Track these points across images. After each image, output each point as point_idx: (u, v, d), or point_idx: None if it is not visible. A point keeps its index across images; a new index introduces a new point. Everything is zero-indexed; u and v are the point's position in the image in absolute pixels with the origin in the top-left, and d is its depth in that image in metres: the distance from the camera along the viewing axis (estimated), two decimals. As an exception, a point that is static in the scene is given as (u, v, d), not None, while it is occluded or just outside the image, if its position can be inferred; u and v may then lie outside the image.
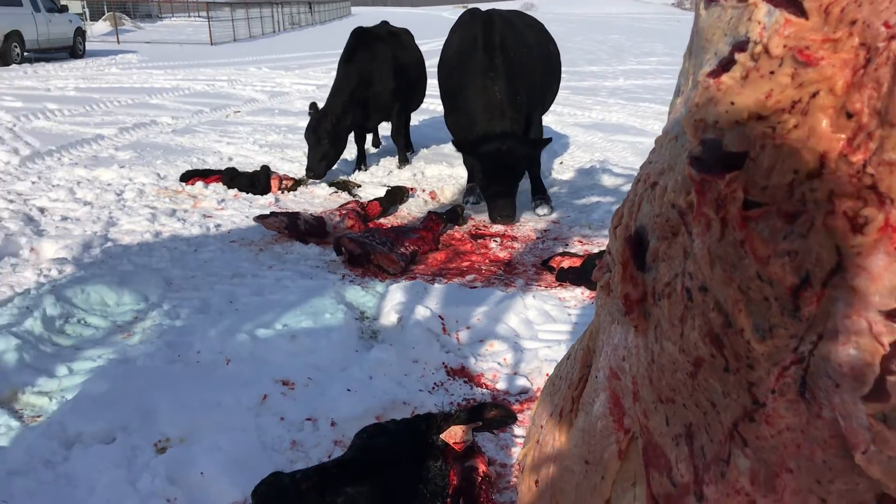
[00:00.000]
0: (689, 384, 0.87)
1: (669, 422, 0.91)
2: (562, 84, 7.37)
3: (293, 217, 5.30)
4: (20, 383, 3.24)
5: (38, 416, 3.01)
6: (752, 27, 0.75)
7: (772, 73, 0.73)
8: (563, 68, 7.23)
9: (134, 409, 2.98)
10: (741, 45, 0.76)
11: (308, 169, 7.03)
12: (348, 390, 3.14)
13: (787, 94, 0.72)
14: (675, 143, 0.86)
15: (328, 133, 6.90)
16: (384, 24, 8.16)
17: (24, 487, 2.53)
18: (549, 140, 6.05)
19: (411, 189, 6.86)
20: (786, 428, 0.79)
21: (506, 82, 5.74)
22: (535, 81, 6.17)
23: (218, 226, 5.68)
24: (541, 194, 6.41)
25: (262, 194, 6.56)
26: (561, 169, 8.05)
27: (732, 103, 0.77)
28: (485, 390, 3.32)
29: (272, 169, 7.05)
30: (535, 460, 1.24)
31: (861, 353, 0.71)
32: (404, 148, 8.04)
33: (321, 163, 6.98)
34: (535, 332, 3.88)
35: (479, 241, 5.57)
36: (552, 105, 7.83)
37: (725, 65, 0.78)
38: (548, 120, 10.68)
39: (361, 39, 7.42)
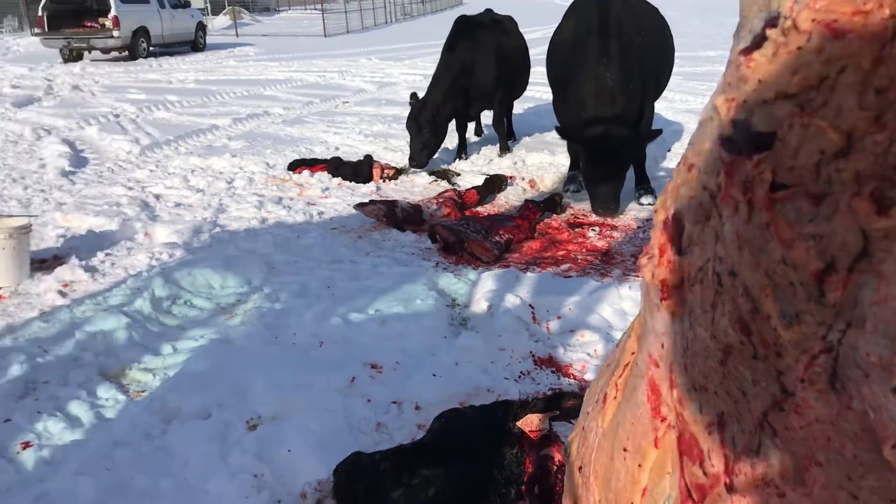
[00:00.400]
0: (720, 371, 0.84)
1: (703, 410, 0.88)
2: (675, 70, 7.14)
3: (391, 205, 5.39)
4: (128, 360, 3.43)
5: (143, 392, 3.18)
6: (783, 1, 0.72)
7: (799, 48, 0.69)
8: (676, 53, 7.00)
9: (230, 388, 3.11)
10: (773, 21, 0.73)
11: (410, 158, 7.12)
12: (434, 375, 3.18)
13: (814, 70, 0.68)
14: (710, 123, 0.83)
15: (428, 122, 6.96)
16: (488, 11, 8.14)
17: (126, 457, 2.68)
18: (660, 132, 5.86)
19: (510, 177, 6.84)
20: (815, 419, 0.75)
21: (619, 69, 5.58)
22: (650, 69, 5.97)
23: (321, 213, 5.83)
24: (645, 184, 6.26)
25: (364, 183, 6.69)
26: (669, 157, 7.84)
27: (760, 81, 0.73)
28: (572, 381, 3.29)
29: (375, 158, 7.18)
30: (579, 447, 1.22)
31: (890, 342, 0.67)
32: (505, 136, 8.02)
33: (422, 152, 7.05)
34: (629, 324, 3.80)
35: (576, 230, 5.51)
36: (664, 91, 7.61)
37: (758, 42, 0.75)
38: (659, 106, 10.41)
39: (463, 28, 7.44)
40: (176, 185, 6.62)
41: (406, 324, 3.71)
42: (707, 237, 0.83)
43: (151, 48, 20.75)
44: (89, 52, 19.72)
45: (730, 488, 0.84)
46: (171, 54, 21.62)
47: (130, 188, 6.52)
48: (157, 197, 6.29)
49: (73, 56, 19.32)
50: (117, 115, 10.25)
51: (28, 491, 2.51)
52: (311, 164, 7.10)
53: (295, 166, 7.10)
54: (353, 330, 3.67)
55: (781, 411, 0.78)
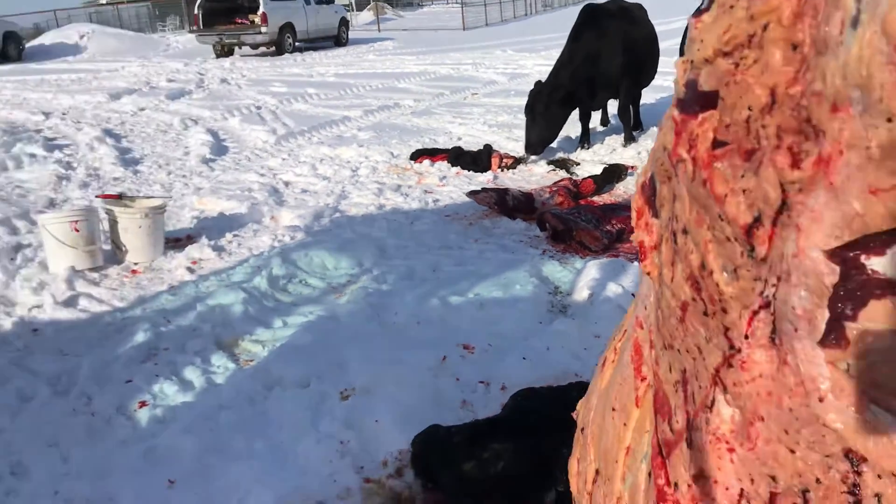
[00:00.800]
0: (681, 329, 0.85)
1: (671, 368, 0.90)
2: None
3: (502, 193, 5.44)
4: (242, 332, 3.67)
5: (251, 361, 3.40)
6: (727, -38, 0.74)
7: (731, 7, 0.71)
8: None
9: (329, 361, 3.27)
10: (721, -18, 0.75)
11: (526, 146, 7.14)
12: (524, 358, 3.22)
13: (742, 28, 0.69)
14: (675, 87, 0.85)
15: (544, 110, 6.95)
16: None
17: (229, 419, 2.89)
18: None
19: (631, 167, 6.73)
20: (759, 375, 0.76)
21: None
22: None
23: (436, 201, 5.97)
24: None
25: (482, 172, 6.78)
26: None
27: (702, 41, 0.75)
28: (666, 369, 3.24)
29: (495, 148, 7.24)
30: (584, 410, 1.25)
31: (810, 296, 0.68)
32: (630, 126, 7.88)
33: (537, 140, 7.05)
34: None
35: (693, 221, 5.36)
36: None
37: (708, 5, 0.77)
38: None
39: (590, 16, 7.37)
40: (304, 173, 6.94)
41: (503, 308, 3.77)
42: (668, 197, 0.85)
43: (297, 43, 21.68)
44: (239, 48, 20.86)
45: (689, 444, 0.85)
46: (314, 49, 22.51)
47: (263, 175, 6.90)
48: (287, 184, 6.63)
49: (224, 51, 20.50)
50: (259, 107, 10.81)
51: (140, 444, 2.76)
52: (432, 154, 7.25)
53: (417, 156, 7.28)
54: (450, 312, 3.76)
55: (730, 367, 0.79)
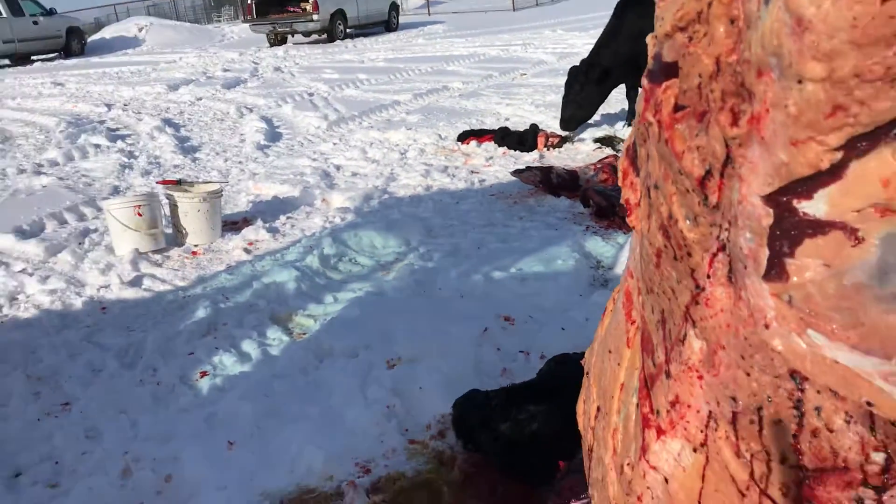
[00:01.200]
0: (658, 274, 0.97)
1: (653, 310, 1.01)
2: None
3: (546, 171, 5.53)
4: (295, 307, 3.86)
5: (304, 334, 3.58)
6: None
7: (684, -14, 0.82)
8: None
9: (377, 333, 3.43)
10: (681, -36, 0.86)
11: (560, 123, 7.18)
12: (563, 329, 3.33)
13: (692, 6, 0.80)
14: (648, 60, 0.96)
15: (580, 89, 6.98)
16: (662, -24, 7.97)
17: (283, 387, 3.07)
18: None
19: (677, 144, 6.72)
20: (720, 310, 0.87)
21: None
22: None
23: (482, 181, 6.08)
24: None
25: (528, 151, 6.86)
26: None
27: (663, 18, 0.86)
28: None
29: (541, 127, 7.31)
30: (587, 356, 1.36)
31: (754, 237, 0.79)
32: (678, 103, 7.84)
33: (570, 117, 7.10)
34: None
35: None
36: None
37: (671, -15, 0.88)
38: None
39: (633, -6, 7.36)
40: (355, 157, 7.12)
41: (544, 282, 3.88)
42: (644, 157, 0.96)
43: (348, 30, 21.90)
44: (292, 36, 21.18)
45: (668, 375, 0.97)
46: (365, 35, 22.70)
47: (315, 160, 7.10)
48: (338, 167, 6.81)
49: (277, 40, 20.84)
50: (311, 94, 11.04)
51: (201, 410, 2.96)
52: (478, 135, 7.36)
53: (463, 137, 7.39)
54: (493, 286, 3.89)
55: (697, 305, 0.91)
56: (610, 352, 1.18)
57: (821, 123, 0.69)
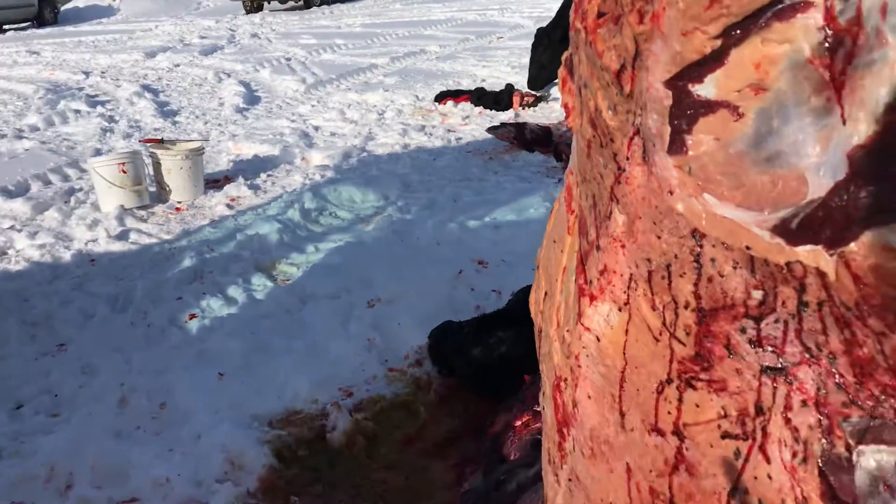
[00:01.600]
0: (588, 163, 1.14)
1: (585, 196, 1.19)
2: None
3: (521, 127, 5.70)
4: (278, 256, 4.02)
5: (287, 280, 3.75)
6: None
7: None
8: None
9: (357, 278, 3.61)
10: None
11: (528, 81, 7.33)
12: (533, 269, 3.51)
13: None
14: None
15: (544, 48, 7.11)
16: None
17: (269, 325, 3.25)
18: None
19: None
20: (637, 185, 1.05)
21: None
22: None
23: (459, 139, 6.24)
24: None
25: (504, 110, 7.01)
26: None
27: (586, -60, 1.03)
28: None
29: (517, 88, 7.45)
30: (538, 253, 1.55)
31: (658, 117, 0.96)
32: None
33: (537, 76, 7.24)
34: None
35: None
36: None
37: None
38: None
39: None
40: (333, 118, 7.24)
41: (517, 229, 4.06)
42: (576, 62, 1.13)
43: (324, -4, 21.76)
44: (268, 3, 21.02)
45: (598, 248, 1.15)
46: (342, 1, 22.57)
47: (293, 121, 7.22)
48: (316, 128, 6.94)
49: (254, 7, 20.69)
50: (288, 59, 11.09)
51: (192, 348, 3.13)
52: (455, 96, 7.49)
53: (440, 98, 7.52)
54: (468, 234, 4.07)
55: (620, 184, 1.08)
56: (555, 242, 1.37)
57: (702, 15, 0.86)
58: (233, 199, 5.01)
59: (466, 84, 8.39)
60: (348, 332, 3.12)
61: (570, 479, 1.34)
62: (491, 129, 5.82)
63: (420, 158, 5.74)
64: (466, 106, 7.22)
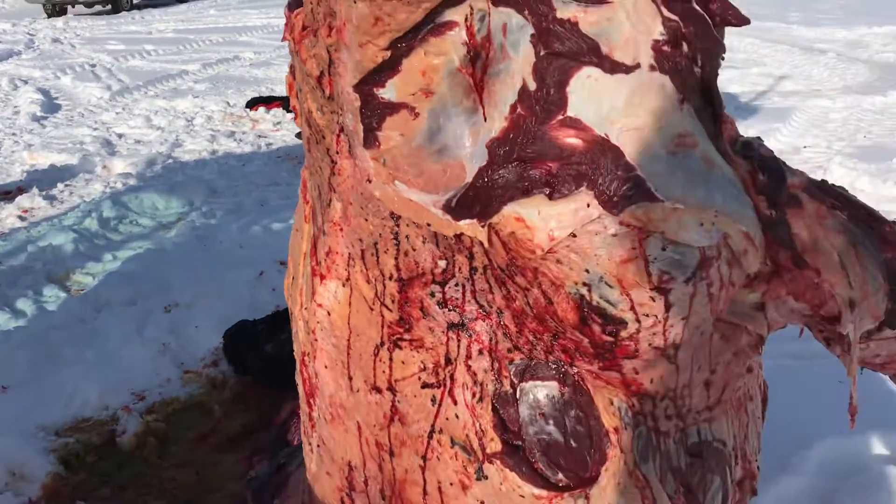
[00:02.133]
0: (311, 157, 1.30)
1: (314, 188, 1.35)
2: None
3: (327, 132, 5.81)
4: (73, 266, 3.92)
5: (81, 290, 3.67)
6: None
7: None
8: None
9: (155, 283, 3.59)
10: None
11: None
12: (332, 268, 3.65)
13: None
14: (297, -4, 1.28)
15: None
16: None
17: (60, 336, 3.18)
18: None
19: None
20: (347, 176, 1.21)
21: None
22: None
23: (269, 144, 6.27)
24: None
25: (315, 117, 7.09)
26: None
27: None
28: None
29: (328, 94, 7.55)
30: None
31: (353, 117, 1.13)
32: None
33: None
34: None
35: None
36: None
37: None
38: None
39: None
40: (139, 125, 7.05)
41: (319, 230, 4.18)
42: (294, 70, 1.29)
43: (135, 1, 20.87)
44: (73, 7, 19.90)
45: (324, 233, 1.31)
46: (154, 6, 21.72)
47: (96, 129, 6.95)
48: (120, 136, 6.72)
49: (56, 11, 19.49)
50: (93, 65, 10.59)
51: (-25, 362, 3.02)
52: (267, 102, 7.50)
53: (252, 104, 7.50)
54: (272, 236, 4.15)
55: (335, 175, 1.24)
56: (297, 230, 1.51)
57: (371, 30, 1.04)
58: (25, 211, 4.79)
59: (280, 90, 8.40)
60: (143, 338, 3.12)
61: (318, 445, 1.49)
62: (299, 136, 5.90)
63: (228, 164, 5.73)
64: (279, 112, 7.24)
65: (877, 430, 2.30)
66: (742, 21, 1.03)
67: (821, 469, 2.18)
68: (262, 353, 2.79)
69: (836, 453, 2.22)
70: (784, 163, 1.19)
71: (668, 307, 1.04)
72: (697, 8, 1.02)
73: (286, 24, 1.23)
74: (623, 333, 1.06)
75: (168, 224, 4.56)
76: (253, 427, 2.63)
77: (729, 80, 8.23)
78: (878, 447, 2.25)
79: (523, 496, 1.15)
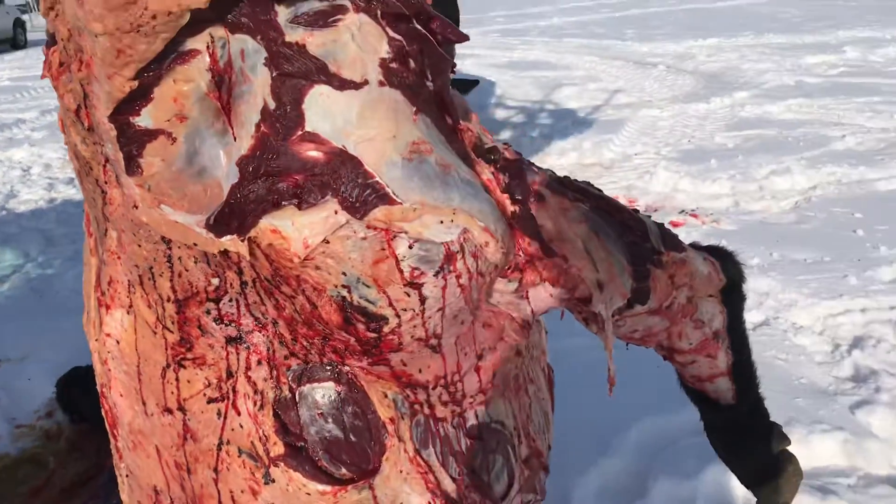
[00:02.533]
0: (84, 189, 1.32)
1: (93, 220, 1.37)
2: (493, 27, 7.84)
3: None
4: None
5: None
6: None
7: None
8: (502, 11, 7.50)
9: (-15, 340, 3.44)
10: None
11: None
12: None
13: None
14: (58, 34, 1.30)
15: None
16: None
17: None
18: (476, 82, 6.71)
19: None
20: (118, 204, 1.24)
21: None
22: None
23: (111, 188, 6.09)
24: None
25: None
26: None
27: (44, 1, 1.21)
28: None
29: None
30: None
31: (112, 146, 1.17)
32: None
33: None
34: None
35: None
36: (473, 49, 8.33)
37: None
38: (467, 64, 11.05)
39: None
40: (-31, 179, 6.70)
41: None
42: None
43: (-35, 49, 19.80)
44: None
45: (104, 263, 1.33)
46: (-12, 54, 20.67)
47: (-81, 186, 6.56)
48: (-52, 191, 6.37)
49: None
50: (-83, 119, 9.98)
51: None
52: (108, 145, 7.28)
53: (93, 149, 7.27)
54: (111, 280, 4.04)
55: (107, 205, 1.27)
56: (86, 264, 1.52)
57: (115, 62, 1.08)
58: None
59: (123, 133, 8.17)
60: (-30, 396, 2.98)
61: (127, 475, 1.50)
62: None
63: (67, 212, 5.54)
64: (121, 155, 7.04)
65: (686, 407, 2.49)
66: (461, 38, 1.14)
67: (637, 448, 2.34)
68: (95, 397, 2.72)
69: (650, 433, 2.40)
70: (528, 163, 1.31)
71: (423, 300, 1.13)
72: (420, 27, 1.12)
73: (45, 62, 1.25)
74: (386, 329, 1.14)
75: (2, 278, 4.36)
76: (88, 475, 2.57)
77: (568, 97, 8.68)
78: (688, 423, 2.45)
79: (309, 493, 1.20)
